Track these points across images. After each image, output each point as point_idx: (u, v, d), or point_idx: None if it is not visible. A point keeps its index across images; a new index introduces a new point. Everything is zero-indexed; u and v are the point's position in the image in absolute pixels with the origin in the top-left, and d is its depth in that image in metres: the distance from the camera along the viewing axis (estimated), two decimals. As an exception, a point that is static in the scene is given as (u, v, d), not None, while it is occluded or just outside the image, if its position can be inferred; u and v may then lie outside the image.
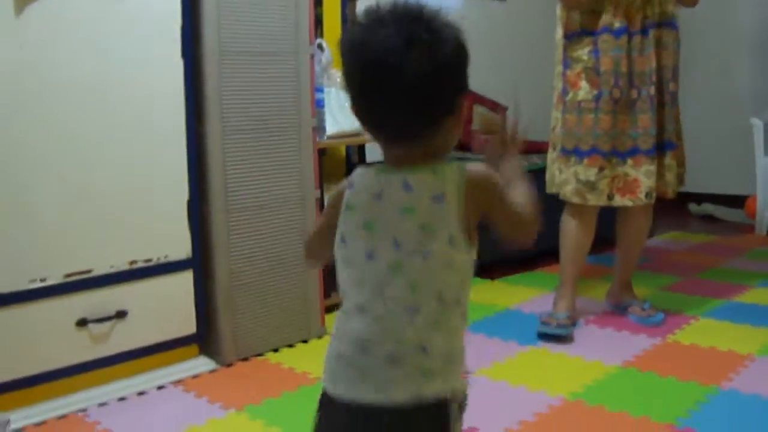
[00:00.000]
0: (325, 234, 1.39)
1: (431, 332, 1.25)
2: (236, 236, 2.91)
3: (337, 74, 3.89)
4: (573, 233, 3.25)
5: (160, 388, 2.68)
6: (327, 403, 1.29)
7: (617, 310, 3.44)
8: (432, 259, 1.25)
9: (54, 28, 2.43)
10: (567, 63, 3.18)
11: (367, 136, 3.92)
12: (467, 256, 1.29)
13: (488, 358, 2.90)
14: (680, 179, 3.27)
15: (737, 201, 6.04)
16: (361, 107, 1.30)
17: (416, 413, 1.22)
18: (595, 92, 3.04)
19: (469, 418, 1.34)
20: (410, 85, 1.21)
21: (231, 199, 2.88)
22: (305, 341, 3.14)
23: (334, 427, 1.29)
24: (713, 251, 4.78)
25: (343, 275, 1.34)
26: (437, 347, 1.25)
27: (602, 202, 3.12)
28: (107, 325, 2.61)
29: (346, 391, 1.25)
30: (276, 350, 3.04)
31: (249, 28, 2.89)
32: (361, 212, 1.31)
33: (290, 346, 3.09)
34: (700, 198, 6.39)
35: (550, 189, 3.26)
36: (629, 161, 3.09)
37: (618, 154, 3.09)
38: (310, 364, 2.86)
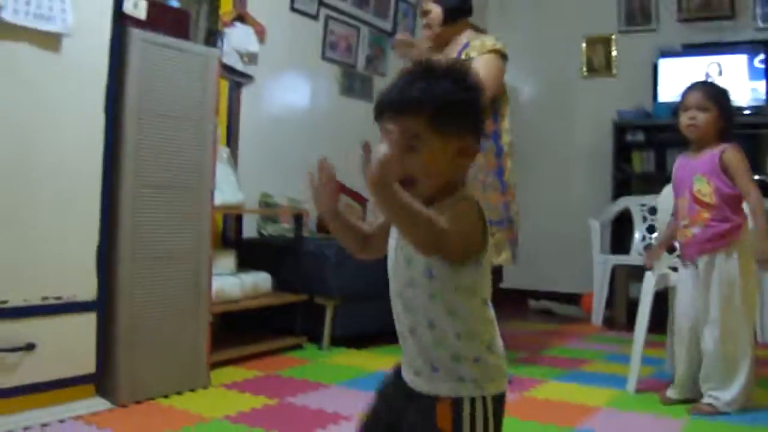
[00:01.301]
0: (472, 246, 1.44)
1: None
2: (139, 284, 3.10)
3: (224, 150, 4.20)
4: None
5: (61, 421, 2.78)
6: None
7: None
8: None
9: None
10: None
11: (247, 207, 4.25)
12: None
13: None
14: None
15: (573, 298, 6.58)
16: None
17: None
18: None
19: None
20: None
21: (137, 249, 3.08)
22: (193, 390, 3.31)
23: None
24: (555, 335, 5.26)
25: (485, 295, 1.51)
26: None
27: None
28: (17, 355, 2.73)
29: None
30: (166, 396, 3.19)
31: (165, 94, 3.19)
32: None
33: (179, 393, 3.24)
34: (538, 295, 6.92)
35: None
36: None
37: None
38: (201, 408, 3.04)
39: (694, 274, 3.26)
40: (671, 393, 3.33)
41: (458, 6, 4.04)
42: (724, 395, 3.14)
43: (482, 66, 3.78)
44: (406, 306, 1.50)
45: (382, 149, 1.25)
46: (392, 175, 1.26)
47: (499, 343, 1.52)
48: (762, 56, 6.04)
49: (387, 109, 1.46)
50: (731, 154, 3.15)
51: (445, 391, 1.45)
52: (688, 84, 3.33)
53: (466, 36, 4.08)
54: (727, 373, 3.15)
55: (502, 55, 3.95)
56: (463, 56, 3.94)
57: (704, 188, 3.18)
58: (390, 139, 1.39)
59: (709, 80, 4.31)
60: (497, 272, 5.82)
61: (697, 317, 3.26)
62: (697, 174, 3.20)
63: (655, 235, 4.65)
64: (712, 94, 3.22)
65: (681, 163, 3.34)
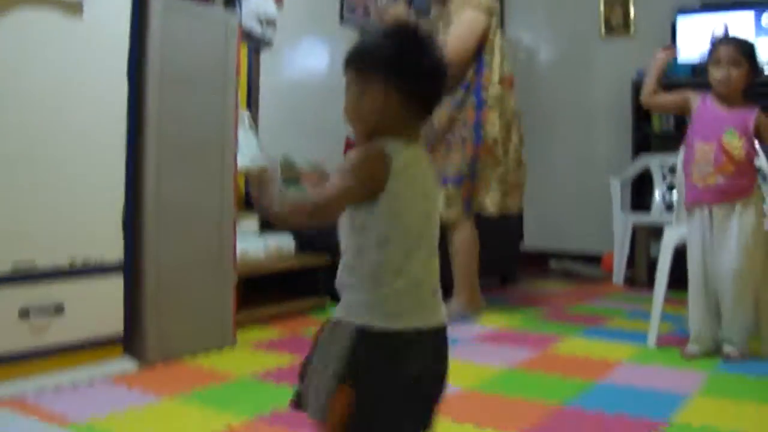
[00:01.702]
0: (357, 197, 1.55)
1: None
2: (164, 245, 3.16)
3: (245, 114, 4.23)
4: None
5: (91, 381, 2.86)
6: (405, 343, 1.53)
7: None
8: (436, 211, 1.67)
9: (22, 38, 2.71)
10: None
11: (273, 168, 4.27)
12: None
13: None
14: None
15: (595, 258, 6.60)
16: (422, 92, 1.61)
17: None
18: None
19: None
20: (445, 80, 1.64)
21: (162, 209, 3.14)
22: (220, 348, 3.38)
23: (424, 354, 1.56)
24: (576, 294, 5.31)
25: (392, 229, 1.55)
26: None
27: None
28: (46, 317, 2.80)
29: (424, 322, 1.56)
30: (194, 355, 3.26)
31: (187, 58, 3.23)
32: (409, 175, 1.56)
33: (206, 352, 3.32)
34: (559, 255, 6.94)
35: None
36: None
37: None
38: (229, 366, 3.12)
39: (705, 222, 3.30)
40: (691, 348, 3.36)
41: None
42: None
43: (458, 23, 3.93)
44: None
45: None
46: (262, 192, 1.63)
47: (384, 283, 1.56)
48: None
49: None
50: (763, 117, 3.22)
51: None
52: (717, 37, 3.34)
53: None
54: (751, 320, 3.21)
55: (480, 8, 4.02)
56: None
57: (735, 142, 3.21)
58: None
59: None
60: (518, 231, 5.86)
61: (708, 265, 3.29)
62: (730, 128, 3.22)
63: (675, 192, 4.66)
64: (745, 49, 3.25)
65: (710, 107, 3.33)
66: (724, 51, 3.24)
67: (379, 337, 1.51)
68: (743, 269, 3.19)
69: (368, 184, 1.53)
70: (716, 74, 3.25)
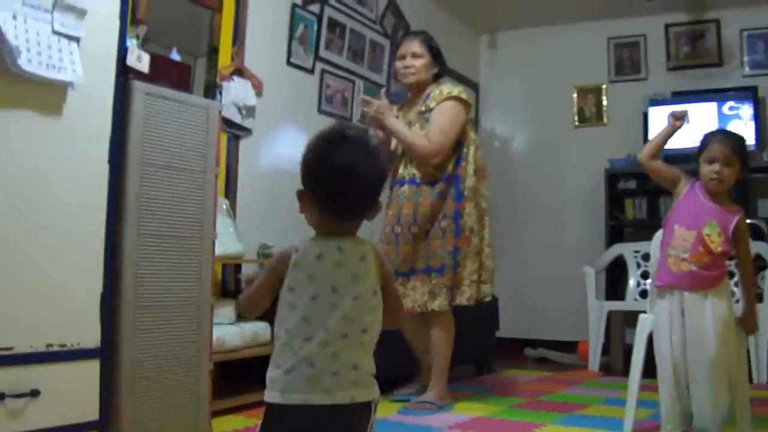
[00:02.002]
0: (269, 289, 1.90)
1: (364, 355, 1.83)
2: (142, 331, 3.14)
3: (223, 201, 4.28)
4: None
5: (66, 468, 2.83)
6: (278, 412, 1.78)
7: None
8: (360, 300, 1.82)
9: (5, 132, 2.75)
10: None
11: (246, 257, 4.32)
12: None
13: None
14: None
15: (570, 346, 6.63)
16: (325, 197, 1.87)
17: (351, 409, 1.76)
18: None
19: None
20: (366, 183, 1.86)
21: (139, 297, 3.14)
22: (195, 437, 3.35)
23: (289, 428, 1.78)
24: (552, 382, 5.32)
25: (288, 316, 1.83)
26: (367, 364, 1.83)
27: None
28: (22, 401, 2.76)
29: (301, 398, 1.75)
30: (168, 444, 3.24)
31: (168, 145, 3.27)
32: (305, 268, 1.84)
33: (181, 440, 3.29)
34: (535, 344, 6.97)
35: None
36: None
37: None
38: (204, 455, 3.09)
39: (675, 307, 3.31)
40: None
41: (441, 60, 4.39)
42: None
43: (438, 114, 4.13)
44: None
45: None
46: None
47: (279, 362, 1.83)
48: (748, 103, 6.22)
49: None
50: (744, 223, 3.31)
51: None
52: (711, 132, 3.42)
53: (430, 87, 4.33)
54: (725, 408, 3.23)
55: (461, 101, 4.18)
56: (423, 108, 4.26)
57: (714, 236, 3.24)
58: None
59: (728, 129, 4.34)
60: (493, 320, 5.88)
61: (677, 348, 3.31)
62: (713, 221, 3.26)
63: (648, 281, 4.72)
64: (738, 147, 3.29)
65: (697, 196, 3.36)
66: (718, 149, 3.26)
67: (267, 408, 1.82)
68: (720, 356, 3.19)
69: (273, 276, 1.89)
70: (706, 171, 3.28)
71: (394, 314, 1.97)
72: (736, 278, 3.94)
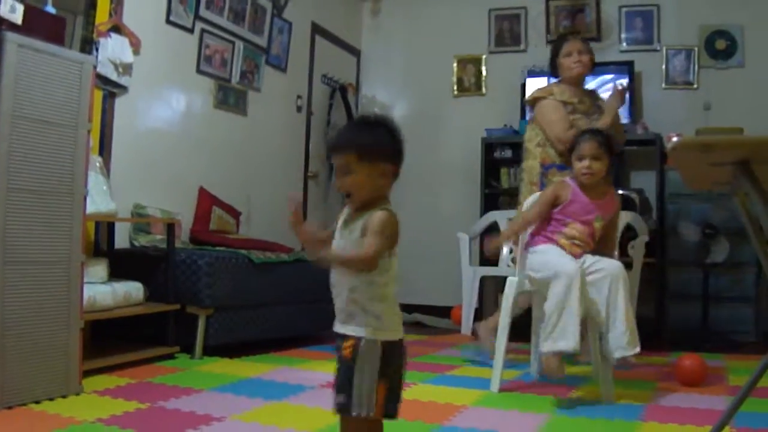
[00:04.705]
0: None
1: None
2: (10, 288, 3.13)
3: (96, 159, 4.25)
4: None
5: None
6: (392, 344, 2.15)
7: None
8: None
9: None
10: (544, 184, 4.38)
11: (120, 216, 4.32)
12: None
13: (241, 407, 3.30)
14: None
15: (444, 311, 6.81)
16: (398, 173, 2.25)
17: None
18: None
19: None
20: None
21: (8, 253, 3.12)
22: (65, 396, 3.35)
23: (398, 353, 2.18)
24: (426, 345, 5.50)
25: (388, 275, 2.20)
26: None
27: None
28: None
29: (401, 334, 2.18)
30: (38, 402, 3.22)
31: (40, 99, 3.25)
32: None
33: (51, 399, 3.28)
34: (410, 309, 7.12)
35: None
36: None
37: None
38: (73, 412, 3.10)
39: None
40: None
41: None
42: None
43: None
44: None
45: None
46: (319, 253, 2.10)
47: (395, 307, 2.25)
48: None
49: (331, 149, 2.21)
50: (618, 214, 4.01)
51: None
52: (581, 134, 3.93)
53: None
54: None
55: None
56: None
57: (600, 227, 3.84)
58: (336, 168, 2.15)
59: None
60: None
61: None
62: (598, 215, 3.81)
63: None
64: (603, 142, 3.80)
65: (576, 194, 3.84)
66: (586, 147, 3.77)
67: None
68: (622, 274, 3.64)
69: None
70: (579, 167, 3.79)
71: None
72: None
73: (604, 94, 5.05)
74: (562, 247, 3.76)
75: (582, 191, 3.81)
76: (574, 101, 4.55)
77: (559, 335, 3.51)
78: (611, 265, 3.65)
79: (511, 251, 5.90)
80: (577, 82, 4.64)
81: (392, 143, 2.24)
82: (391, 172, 2.21)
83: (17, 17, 3.18)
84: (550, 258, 3.69)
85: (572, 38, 4.72)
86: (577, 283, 3.51)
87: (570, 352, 3.53)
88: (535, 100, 4.66)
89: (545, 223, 3.87)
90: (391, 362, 2.16)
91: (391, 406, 2.22)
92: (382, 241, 2.06)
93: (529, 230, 3.94)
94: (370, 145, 2.16)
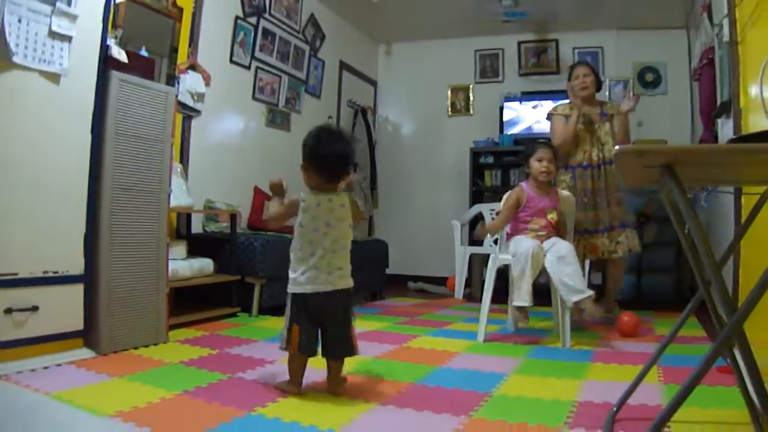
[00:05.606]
0: (285, 218, 2.54)
1: (345, 261, 2.54)
2: (115, 263, 3.22)
3: (178, 166, 4.31)
4: None
5: (58, 365, 2.89)
6: (300, 299, 2.43)
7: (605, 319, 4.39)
8: (342, 230, 2.52)
9: (12, 101, 2.78)
10: (554, 182, 4.25)
11: (195, 209, 4.35)
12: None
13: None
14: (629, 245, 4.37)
15: (441, 281, 6.86)
16: (323, 168, 2.44)
17: (340, 292, 2.50)
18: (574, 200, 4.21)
19: None
20: (345, 160, 2.49)
21: (113, 236, 3.20)
22: (155, 344, 3.43)
23: (311, 306, 2.44)
24: (427, 306, 5.51)
25: (300, 241, 2.48)
26: (347, 266, 2.55)
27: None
28: (25, 314, 2.83)
29: (312, 288, 2.44)
30: (136, 348, 3.31)
31: (136, 120, 3.33)
32: (310, 211, 2.49)
33: (145, 346, 3.36)
34: (415, 278, 7.17)
35: None
36: (595, 235, 4.34)
37: (587, 231, 4.33)
38: (162, 356, 3.17)
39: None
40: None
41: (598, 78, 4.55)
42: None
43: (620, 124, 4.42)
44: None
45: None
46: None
47: (296, 269, 2.52)
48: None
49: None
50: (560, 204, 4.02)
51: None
52: (538, 142, 4.07)
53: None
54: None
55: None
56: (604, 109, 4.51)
57: (554, 217, 3.89)
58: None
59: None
60: (384, 259, 6.04)
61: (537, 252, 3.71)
62: (550, 208, 3.91)
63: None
64: (554, 150, 3.98)
65: (531, 195, 3.92)
66: (544, 151, 3.90)
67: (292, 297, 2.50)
68: (570, 249, 3.72)
69: (288, 211, 2.54)
70: (538, 167, 3.90)
71: (355, 222, 2.62)
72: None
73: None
74: (527, 236, 3.84)
75: (533, 192, 3.91)
76: (571, 113, 4.45)
77: (517, 296, 3.64)
78: (563, 244, 3.72)
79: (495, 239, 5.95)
80: (586, 100, 4.47)
81: (311, 143, 2.46)
82: (308, 167, 2.48)
83: (123, 58, 3.26)
84: (520, 244, 3.75)
85: (579, 64, 4.60)
86: (530, 259, 3.60)
87: (525, 305, 3.62)
88: (549, 115, 4.61)
89: (517, 222, 3.95)
90: (309, 311, 2.43)
91: (307, 345, 2.44)
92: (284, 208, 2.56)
93: (506, 229, 4.05)
94: (305, 149, 2.48)
